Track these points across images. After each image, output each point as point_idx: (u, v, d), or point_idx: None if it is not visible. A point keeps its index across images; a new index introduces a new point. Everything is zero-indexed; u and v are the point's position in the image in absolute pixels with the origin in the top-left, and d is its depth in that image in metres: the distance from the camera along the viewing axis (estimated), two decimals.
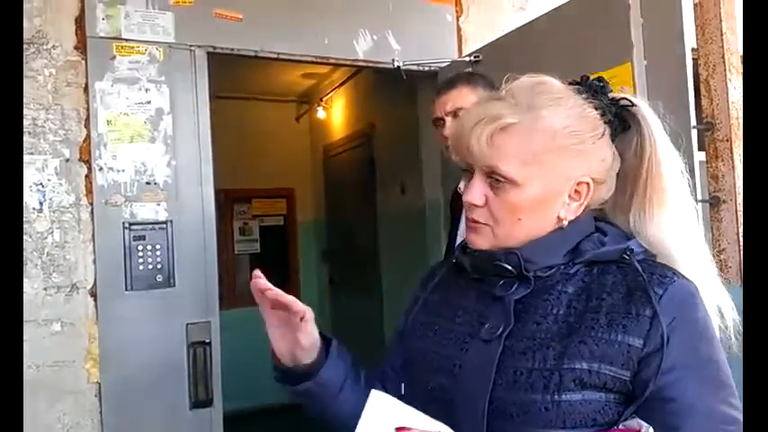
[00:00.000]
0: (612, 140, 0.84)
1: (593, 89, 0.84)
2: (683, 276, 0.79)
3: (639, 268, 0.78)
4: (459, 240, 1.77)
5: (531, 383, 0.75)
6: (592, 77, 0.87)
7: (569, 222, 0.83)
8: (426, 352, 0.88)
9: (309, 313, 0.88)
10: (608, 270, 0.81)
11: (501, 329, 0.80)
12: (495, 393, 0.78)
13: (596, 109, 0.82)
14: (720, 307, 0.84)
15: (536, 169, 0.79)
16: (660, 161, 0.83)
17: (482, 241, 0.84)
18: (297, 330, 0.88)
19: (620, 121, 0.84)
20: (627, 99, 0.85)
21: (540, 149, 0.79)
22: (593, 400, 0.74)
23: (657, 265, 0.81)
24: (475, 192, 0.82)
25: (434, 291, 0.96)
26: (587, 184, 0.81)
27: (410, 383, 0.90)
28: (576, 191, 0.82)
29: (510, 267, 0.82)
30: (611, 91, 0.85)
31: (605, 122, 0.82)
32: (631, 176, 0.85)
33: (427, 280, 1.00)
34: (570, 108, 0.80)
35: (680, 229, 0.83)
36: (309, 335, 0.89)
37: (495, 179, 0.80)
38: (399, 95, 3.05)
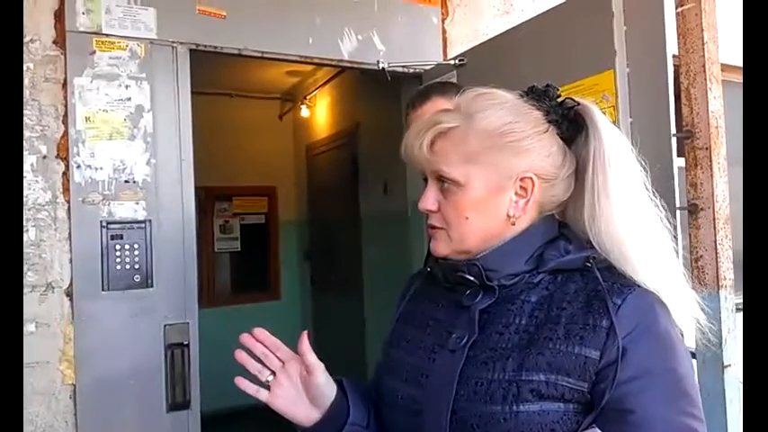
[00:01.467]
0: (569, 143, 0.86)
1: (537, 93, 0.86)
2: (644, 286, 0.79)
3: (600, 277, 0.79)
4: None
5: (491, 395, 0.76)
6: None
7: (528, 222, 0.84)
8: (397, 361, 0.89)
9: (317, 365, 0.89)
10: (572, 278, 0.82)
11: (465, 339, 0.81)
12: (457, 404, 0.78)
13: (539, 110, 0.84)
14: (684, 308, 0.83)
15: (476, 168, 0.82)
16: (607, 158, 0.82)
17: (441, 247, 0.87)
18: (306, 388, 0.89)
19: (571, 123, 0.85)
20: (571, 99, 0.86)
21: (478, 148, 0.82)
22: (551, 411, 0.75)
23: (620, 274, 0.80)
24: (428, 197, 0.87)
25: (410, 301, 0.97)
26: (530, 179, 0.83)
27: (381, 393, 0.90)
28: (521, 187, 0.83)
29: (472, 278, 0.84)
30: (558, 96, 0.87)
31: (549, 121, 0.84)
32: (582, 174, 0.85)
33: (405, 291, 1.01)
34: (508, 109, 0.84)
35: (632, 227, 0.81)
36: (320, 386, 0.89)
37: (443, 183, 0.84)
38: (384, 96, 3.04)
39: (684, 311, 0.83)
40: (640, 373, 0.74)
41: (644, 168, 0.85)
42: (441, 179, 0.85)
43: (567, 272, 0.83)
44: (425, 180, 0.89)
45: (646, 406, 0.73)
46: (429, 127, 0.84)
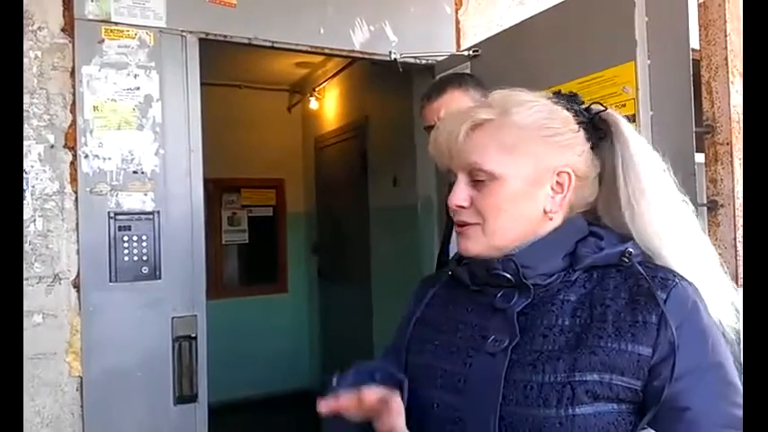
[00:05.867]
0: (592, 148, 0.86)
1: (564, 97, 0.87)
2: (684, 278, 0.78)
3: (642, 271, 0.78)
4: (452, 248, 1.73)
5: (544, 398, 0.74)
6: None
7: (561, 221, 0.84)
8: (428, 367, 0.86)
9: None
10: (608, 274, 0.81)
11: (507, 342, 0.79)
12: (505, 409, 0.76)
13: (568, 111, 0.85)
14: (722, 304, 0.83)
15: (513, 160, 0.81)
16: (636, 160, 0.83)
17: (474, 245, 0.84)
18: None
19: (595, 129, 0.86)
20: (598, 104, 0.87)
21: (515, 140, 0.81)
22: (605, 412, 0.73)
23: (658, 268, 0.80)
24: (459, 193, 0.84)
25: (430, 306, 0.94)
26: (568, 174, 0.82)
27: (414, 402, 0.86)
28: (557, 182, 0.83)
29: (508, 275, 0.81)
30: (583, 101, 0.88)
31: (578, 123, 0.85)
32: (612, 179, 0.85)
33: (421, 295, 0.97)
34: (541, 105, 0.84)
35: (671, 225, 0.82)
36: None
37: (476, 177, 0.82)
38: (394, 88, 3.01)
39: (726, 306, 0.82)
40: (692, 368, 0.73)
41: (667, 165, 0.86)
42: (473, 173, 0.83)
43: (603, 268, 0.81)
44: (450, 181, 0.87)
45: (700, 401, 0.72)
46: (465, 118, 0.82)
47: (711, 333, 0.76)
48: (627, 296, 0.77)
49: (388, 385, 0.81)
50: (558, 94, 0.88)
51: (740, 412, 0.74)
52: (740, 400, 0.74)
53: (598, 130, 0.86)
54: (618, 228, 0.85)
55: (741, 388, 0.76)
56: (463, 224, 0.84)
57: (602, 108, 0.87)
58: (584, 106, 0.87)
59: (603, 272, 0.81)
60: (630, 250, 0.80)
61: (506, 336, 0.79)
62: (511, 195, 0.81)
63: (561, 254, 0.82)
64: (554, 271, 0.82)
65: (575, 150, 0.83)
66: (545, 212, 0.83)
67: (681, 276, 0.79)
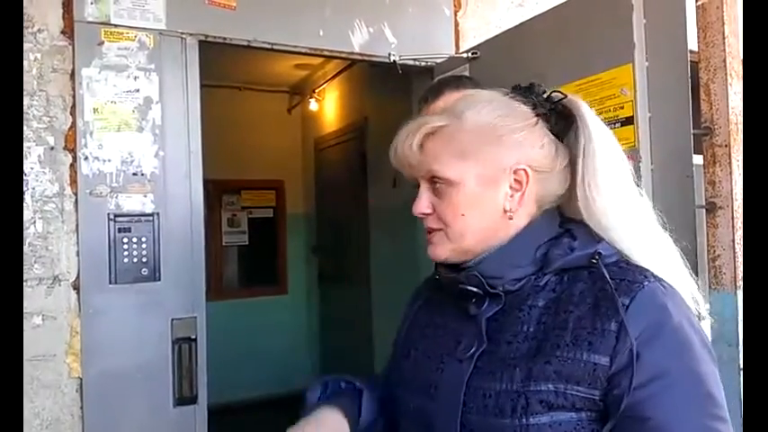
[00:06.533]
0: (560, 137, 0.84)
1: (522, 90, 0.86)
2: (657, 279, 0.75)
3: (606, 275, 0.75)
4: None
5: (500, 407, 0.73)
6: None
7: (526, 220, 0.82)
8: (407, 371, 0.88)
9: None
10: (578, 277, 0.78)
11: (473, 349, 0.79)
12: (466, 417, 0.76)
13: (526, 104, 0.83)
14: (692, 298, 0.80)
15: (468, 164, 0.81)
16: (595, 151, 0.80)
17: (440, 250, 0.84)
18: None
19: (560, 116, 0.84)
20: (558, 92, 0.85)
21: (469, 144, 0.81)
22: (563, 421, 0.72)
23: (629, 269, 0.77)
24: (422, 201, 0.85)
25: (421, 309, 0.96)
26: (524, 171, 0.81)
27: (395, 403, 0.89)
28: (515, 180, 0.81)
29: (474, 289, 0.80)
30: (544, 91, 0.87)
31: (537, 115, 0.83)
32: (573, 167, 0.83)
33: (415, 299, 0.99)
34: (495, 104, 0.83)
35: (627, 219, 0.80)
36: None
37: (436, 184, 0.83)
38: (393, 89, 3.01)
39: (688, 298, 0.80)
40: (655, 377, 0.70)
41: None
42: (433, 180, 0.83)
43: (574, 271, 0.79)
44: (417, 186, 0.88)
45: (663, 411, 0.69)
46: (417, 128, 0.83)
47: (683, 338, 0.72)
48: (592, 301, 0.75)
49: (352, 393, 0.93)
50: (515, 88, 0.87)
51: (716, 424, 0.70)
52: (718, 411, 0.70)
53: (564, 118, 0.84)
54: (578, 216, 0.83)
55: (721, 398, 0.71)
56: (430, 230, 0.85)
57: (563, 95, 0.84)
58: (545, 95, 0.86)
59: (574, 275, 0.79)
60: (600, 251, 0.78)
61: (474, 342, 0.79)
62: (468, 199, 0.81)
63: (528, 259, 0.81)
64: (524, 275, 0.80)
65: (533, 145, 0.81)
66: (505, 212, 0.81)
67: (655, 278, 0.75)
